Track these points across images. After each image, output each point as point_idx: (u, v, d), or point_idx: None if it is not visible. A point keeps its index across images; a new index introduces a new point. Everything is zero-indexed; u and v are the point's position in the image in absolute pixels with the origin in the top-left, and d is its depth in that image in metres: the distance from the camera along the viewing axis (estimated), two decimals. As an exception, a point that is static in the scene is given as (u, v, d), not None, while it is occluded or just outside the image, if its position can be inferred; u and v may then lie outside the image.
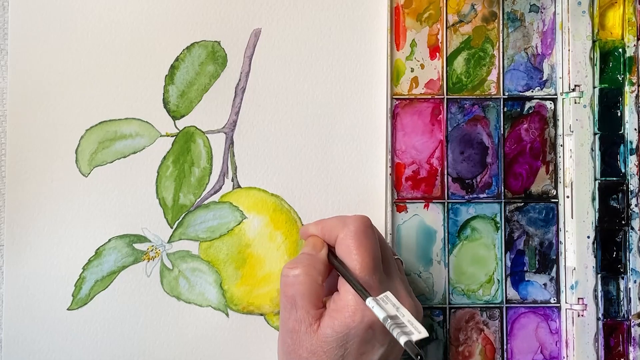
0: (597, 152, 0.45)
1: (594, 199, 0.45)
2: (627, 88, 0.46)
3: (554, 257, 0.46)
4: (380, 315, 0.33)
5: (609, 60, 0.46)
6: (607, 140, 0.45)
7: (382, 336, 0.36)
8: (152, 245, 0.44)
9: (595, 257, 0.45)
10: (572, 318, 0.44)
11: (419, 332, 0.32)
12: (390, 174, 0.45)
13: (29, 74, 0.44)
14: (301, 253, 0.39)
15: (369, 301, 0.34)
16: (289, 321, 0.37)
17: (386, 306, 0.34)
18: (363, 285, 0.36)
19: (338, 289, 0.37)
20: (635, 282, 0.45)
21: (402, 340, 0.32)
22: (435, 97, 0.46)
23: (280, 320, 0.38)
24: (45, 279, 0.43)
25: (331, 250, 0.39)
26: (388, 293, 0.35)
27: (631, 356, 0.45)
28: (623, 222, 0.45)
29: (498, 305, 0.45)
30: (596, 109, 0.45)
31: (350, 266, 0.36)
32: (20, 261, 0.43)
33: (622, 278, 0.45)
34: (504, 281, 0.45)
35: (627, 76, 0.46)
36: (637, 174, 0.45)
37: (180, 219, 0.44)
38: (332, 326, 0.36)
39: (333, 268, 0.38)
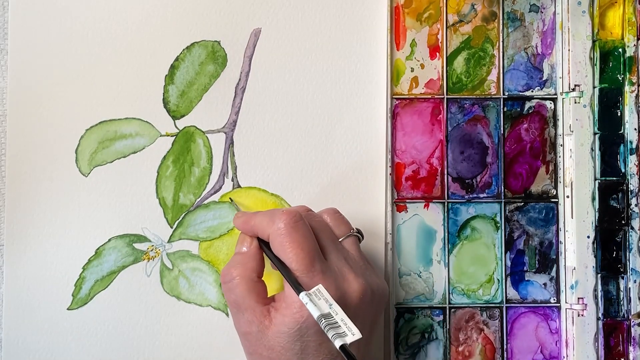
0: (597, 152, 0.45)
1: (594, 198, 0.45)
2: (627, 88, 0.46)
3: (554, 257, 0.46)
4: (314, 313, 0.34)
5: (609, 60, 0.46)
6: (607, 140, 0.45)
7: None
8: (152, 245, 0.44)
9: (595, 256, 0.45)
10: (572, 318, 0.44)
11: (352, 334, 0.32)
12: (390, 174, 0.45)
13: (29, 74, 0.44)
14: (234, 254, 0.40)
15: (302, 296, 0.34)
16: (241, 325, 0.38)
17: (319, 302, 0.34)
18: (299, 281, 0.36)
19: (283, 285, 0.37)
20: (635, 281, 0.45)
21: (337, 343, 0.32)
22: (435, 97, 0.46)
23: (234, 326, 0.39)
24: (45, 279, 0.43)
25: (266, 243, 0.39)
26: (320, 286, 0.35)
27: (631, 356, 0.45)
28: (623, 222, 0.45)
29: (498, 305, 0.45)
30: (596, 108, 0.45)
31: (286, 263, 0.37)
32: (20, 261, 0.43)
33: (622, 278, 0.45)
34: (504, 281, 0.45)
35: (627, 76, 0.46)
36: (637, 173, 0.45)
37: (180, 219, 0.44)
38: (284, 323, 0.36)
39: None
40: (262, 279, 0.39)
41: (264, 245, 0.39)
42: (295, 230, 0.37)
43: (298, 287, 0.35)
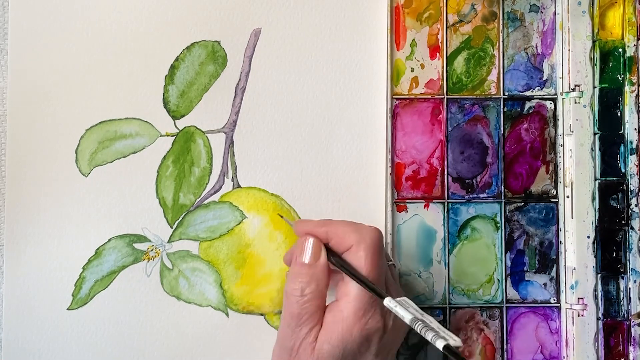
0: (597, 152, 0.45)
1: (594, 198, 0.45)
2: (627, 88, 0.46)
3: (554, 257, 0.46)
4: (407, 316, 0.33)
5: (609, 60, 0.46)
6: (607, 140, 0.45)
7: (377, 347, 0.36)
8: (152, 245, 0.44)
9: (595, 257, 0.45)
10: (572, 318, 0.44)
11: (454, 340, 0.31)
12: (390, 174, 0.45)
13: (29, 74, 0.44)
14: (300, 264, 0.37)
15: (388, 301, 0.33)
16: (290, 338, 0.36)
17: (409, 309, 0.33)
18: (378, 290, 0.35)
19: (337, 298, 0.37)
20: (635, 281, 0.45)
21: (439, 344, 0.31)
22: (435, 97, 0.46)
23: (279, 334, 0.38)
24: (45, 279, 0.43)
25: (333, 251, 0.37)
26: (406, 298, 0.34)
27: (631, 356, 0.45)
28: (623, 222, 0.45)
29: (498, 305, 0.45)
30: (596, 108, 0.45)
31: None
32: (20, 261, 0.43)
33: (622, 278, 0.45)
34: (504, 281, 0.45)
35: (627, 76, 0.46)
36: (637, 173, 0.45)
37: (180, 219, 0.44)
38: (328, 341, 0.35)
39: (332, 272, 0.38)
40: None
41: (331, 254, 0.37)
42: (379, 250, 0.36)
43: (381, 293, 0.34)
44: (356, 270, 0.35)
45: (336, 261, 0.37)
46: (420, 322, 0.32)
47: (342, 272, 0.36)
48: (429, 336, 0.31)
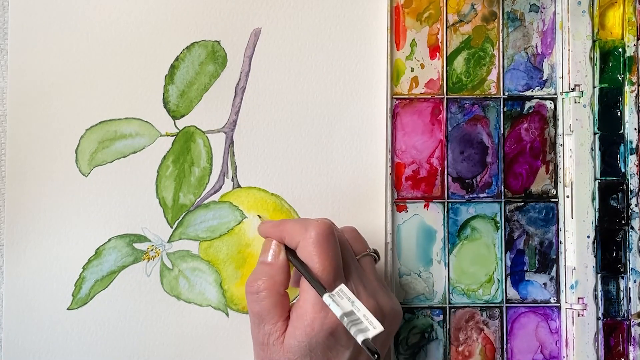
0: (597, 151, 0.45)
1: (594, 198, 0.45)
2: (627, 88, 0.46)
3: (554, 257, 0.46)
4: (337, 312, 0.34)
5: (609, 60, 0.46)
6: (607, 140, 0.45)
7: (345, 339, 0.36)
8: (152, 245, 0.44)
9: (595, 256, 0.45)
10: (572, 318, 0.44)
11: (374, 328, 0.32)
12: (390, 174, 0.45)
13: (29, 74, 0.44)
14: (260, 262, 0.39)
15: (326, 297, 0.34)
16: (258, 335, 0.38)
17: (342, 301, 0.34)
18: (322, 284, 0.35)
19: (299, 296, 0.37)
20: (635, 281, 0.45)
21: (359, 338, 0.32)
22: (435, 96, 0.46)
23: (251, 333, 0.39)
24: (45, 279, 0.43)
25: (291, 250, 0.38)
26: (342, 286, 0.35)
27: (631, 356, 0.45)
28: (623, 222, 0.45)
29: (498, 304, 0.45)
30: (596, 108, 0.45)
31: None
32: (20, 261, 0.43)
33: (622, 278, 0.45)
34: (504, 281, 0.45)
35: (627, 76, 0.46)
36: (637, 173, 0.45)
37: (180, 219, 0.44)
38: (294, 336, 0.36)
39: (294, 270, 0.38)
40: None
41: (288, 252, 0.38)
42: (327, 241, 0.36)
43: (322, 289, 0.35)
44: (306, 266, 0.36)
45: (290, 258, 0.38)
46: (346, 318, 0.33)
47: (296, 268, 0.37)
48: (352, 331, 0.33)
